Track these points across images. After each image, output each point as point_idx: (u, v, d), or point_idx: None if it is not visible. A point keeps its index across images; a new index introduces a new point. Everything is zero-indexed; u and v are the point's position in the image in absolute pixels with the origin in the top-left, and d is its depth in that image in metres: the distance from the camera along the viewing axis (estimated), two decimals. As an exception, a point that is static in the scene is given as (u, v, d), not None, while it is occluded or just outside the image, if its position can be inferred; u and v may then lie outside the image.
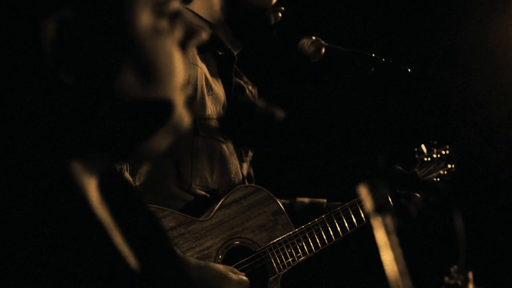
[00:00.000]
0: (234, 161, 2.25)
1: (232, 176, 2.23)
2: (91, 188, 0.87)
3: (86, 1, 0.78)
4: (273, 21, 2.27)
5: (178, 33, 0.86)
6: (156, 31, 0.83)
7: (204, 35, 0.89)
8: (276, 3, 2.27)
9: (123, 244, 0.88)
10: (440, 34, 3.48)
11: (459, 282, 1.10)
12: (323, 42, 2.30)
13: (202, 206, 2.16)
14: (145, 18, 0.81)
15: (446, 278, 1.12)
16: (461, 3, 3.44)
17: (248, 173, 2.42)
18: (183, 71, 0.87)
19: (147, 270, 0.90)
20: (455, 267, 1.11)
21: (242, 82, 2.37)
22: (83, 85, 0.79)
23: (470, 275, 1.09)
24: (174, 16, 0.85)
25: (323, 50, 2.28)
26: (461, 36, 3.42)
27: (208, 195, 2.17)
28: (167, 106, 0.84)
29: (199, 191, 2.15)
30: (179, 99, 0.86)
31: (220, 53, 2.27)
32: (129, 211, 0.97)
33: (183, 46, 0.87)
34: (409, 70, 2.29)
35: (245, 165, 2.37)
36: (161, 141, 0.87)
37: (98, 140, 0.82)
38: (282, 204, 2.46)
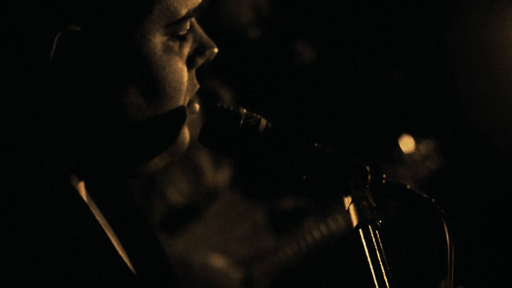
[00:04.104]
0: (210, 171, 2.23)
1: (209, 186, 2.21)
2: (82, 189, 0.87)
3: (97, 18, 0.77)
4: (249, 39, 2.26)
5: (187, 49, 0.85)
6: (167, 50, 0.81)
7: (215, 50, 0.88)
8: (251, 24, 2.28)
9: (119, 245, 0.88)
10: (440, 34, 3.47)
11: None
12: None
13: (180, 219, 2.15)
14: (157, 39, 0.80)
15: (437, 292, 1.12)
16: (461, 3, 3.43)
17: (226, 180, 2.41)
18: (188, 88, 0.85)
19: (144, 272, 0.90)
20: (446, 281, 1.11)
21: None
22: (89, 99, 0.78)
23: (461, 289, 1.09)
24: (186, 33, 0.84)
25: None
26: (460, 37, 3.42)
27: (186, 207, 2.16)
28: (172, 126, 0.83)
29: (176, 203, 2.14)
30: (183, 118, 0.85)
31: None
32: (121, 212, 0.97)
33: (191, 62, 0.86)
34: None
35: (222, 173, 2.36)
36: (160, 160, 0.86)
37: (98, 153, 0.82)
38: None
